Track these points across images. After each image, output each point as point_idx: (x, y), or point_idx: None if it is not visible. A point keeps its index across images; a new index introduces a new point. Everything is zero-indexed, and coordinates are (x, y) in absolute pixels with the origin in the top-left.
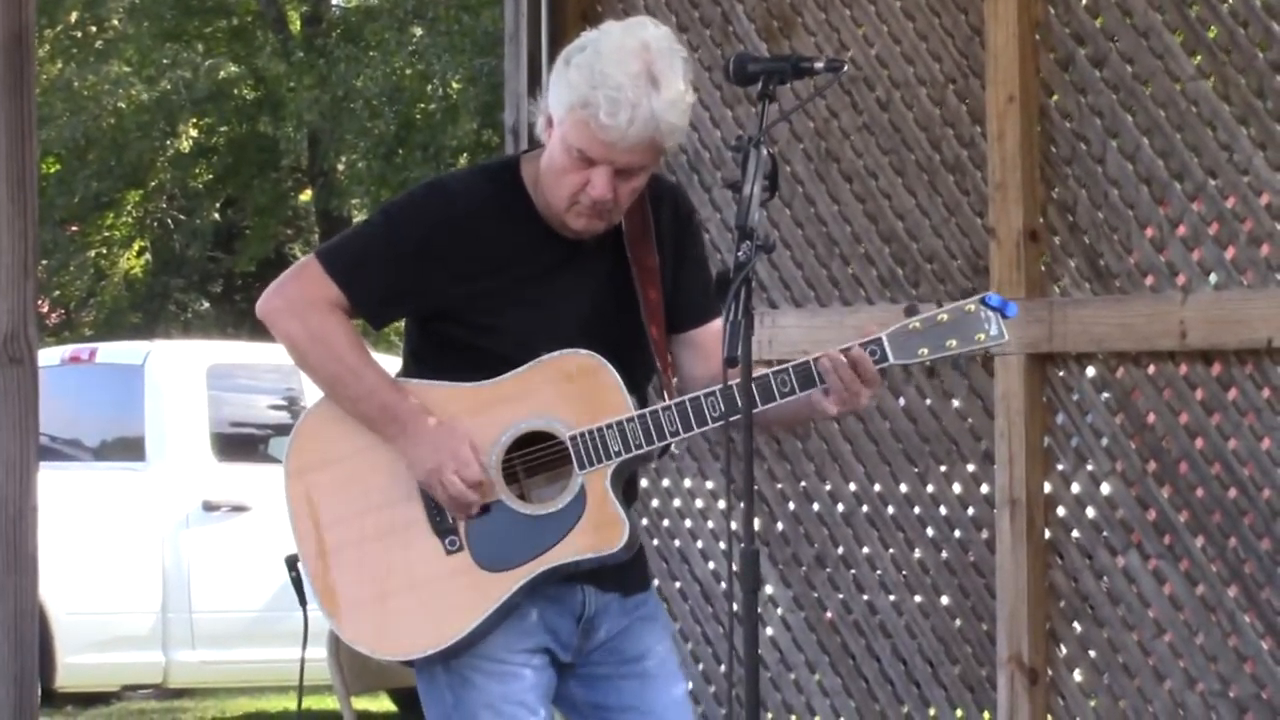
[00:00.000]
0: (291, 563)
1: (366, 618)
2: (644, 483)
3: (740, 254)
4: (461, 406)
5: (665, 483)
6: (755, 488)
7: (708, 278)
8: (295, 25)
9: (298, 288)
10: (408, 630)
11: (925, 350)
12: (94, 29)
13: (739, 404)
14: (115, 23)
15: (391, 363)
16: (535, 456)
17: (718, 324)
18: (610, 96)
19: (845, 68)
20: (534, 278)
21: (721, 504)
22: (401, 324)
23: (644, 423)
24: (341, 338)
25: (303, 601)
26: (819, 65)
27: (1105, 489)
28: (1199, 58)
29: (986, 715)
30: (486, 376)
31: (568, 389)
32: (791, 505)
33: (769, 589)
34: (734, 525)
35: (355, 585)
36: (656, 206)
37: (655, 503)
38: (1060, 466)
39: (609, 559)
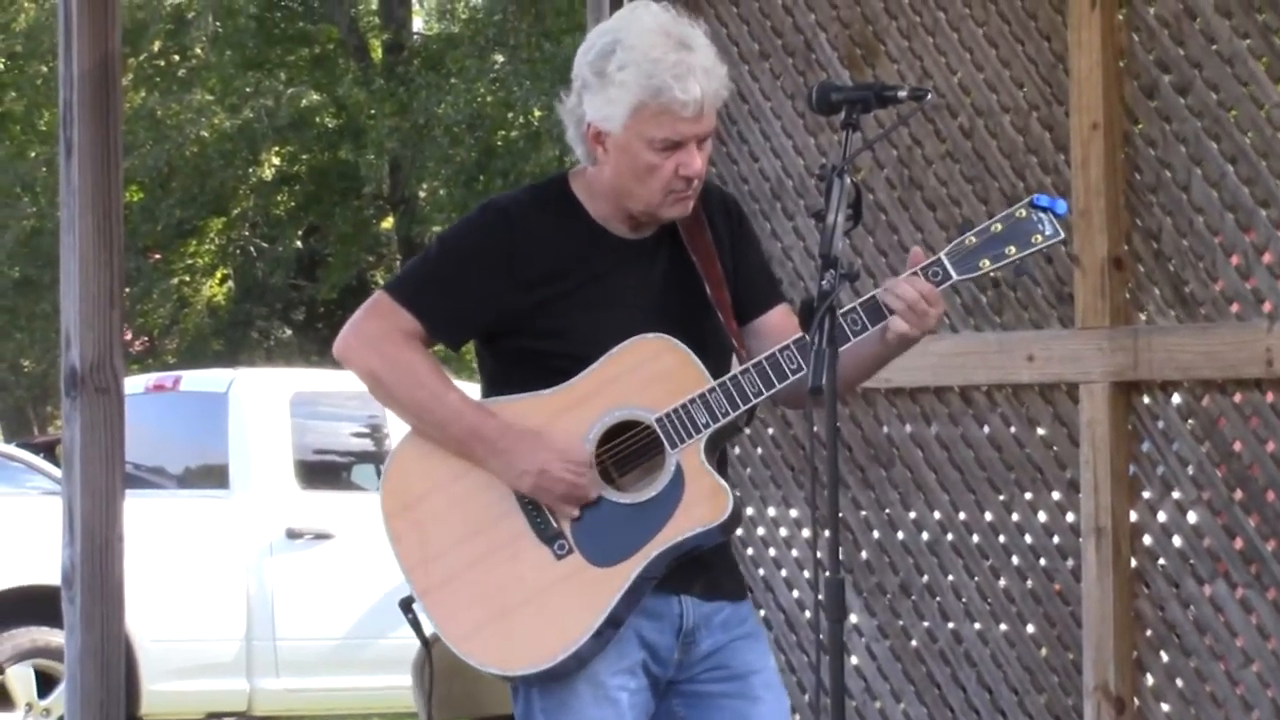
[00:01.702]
0: (406, 605)
1: (491, 638)
2: None
3: (824, 283)
4: (543, 415)
5: (749, 511)
6: (839, 515)
7: (765, 265)
8: (377, 53)
9: (371, 323)
10: (534, 641)
11: (986, 261)
12: (177, 58)
13: (818, 344)
14: (198, 51)
15: (474, 389)
16: (625, 448)
17: (781, 310)
18: (676, 75)
19: (929, 96)
20: (595, 279)
21: (805, 532)
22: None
23: (725, 390)
24: (421, 365)
25: (423, 640)
26: (902, 93)
27: (1191, 517)
28: None
29: None
30: (562, 383)
31: (643, 374)
32: (876, 533)
33: (853, 618)
34: (819, 554)
35: (473, 609)
36: (706, 201)
37: (739, 531)
38: (1146, 495)
39: (719, 530)
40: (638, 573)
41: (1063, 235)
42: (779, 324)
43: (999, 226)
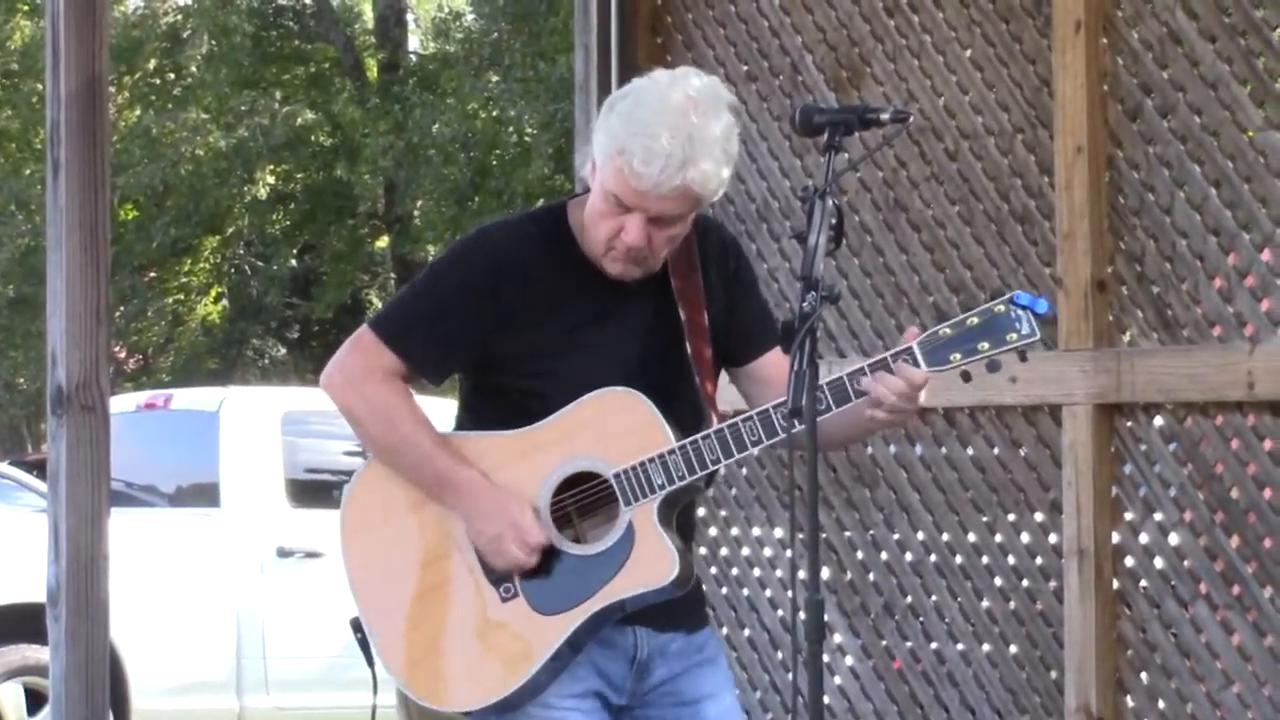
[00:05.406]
0: (356, 624)
1: (429, 671)
2: (712, 531)
3: (805, 304)
4: (507, 453)
5: (734, 531)
6: (823, 536)
7: (763, 309)
8: (372, 72)
9: (354, 360)
10: (469, 681)
11: (957, 355)
12: (172, 76)
13: (778, 427)
14: (193, 70)
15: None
16: (585, 496)
17: (777, 353)
18: (646, 145)
19: (911, 118)
20: (585, 324)
21: (789, 552)
22: None
23: (685, 454)
24: (395, 407)
25: (369, 661)
26: (885, 116)
27: (1173, 539)
28: (1267, 108)
29: None
30: (535, 422)
31: (609, 427)
32: (859, 554)
33: (837, 638)
34: (800, 574)
35: (415, 640)
36: (703, 243)
37: (724, 551)
38: (1128, 516)
39: (661, 594)
40: (575, 626)
41: (1039, 335)
42: (771, 370)
43: (975, 320)
